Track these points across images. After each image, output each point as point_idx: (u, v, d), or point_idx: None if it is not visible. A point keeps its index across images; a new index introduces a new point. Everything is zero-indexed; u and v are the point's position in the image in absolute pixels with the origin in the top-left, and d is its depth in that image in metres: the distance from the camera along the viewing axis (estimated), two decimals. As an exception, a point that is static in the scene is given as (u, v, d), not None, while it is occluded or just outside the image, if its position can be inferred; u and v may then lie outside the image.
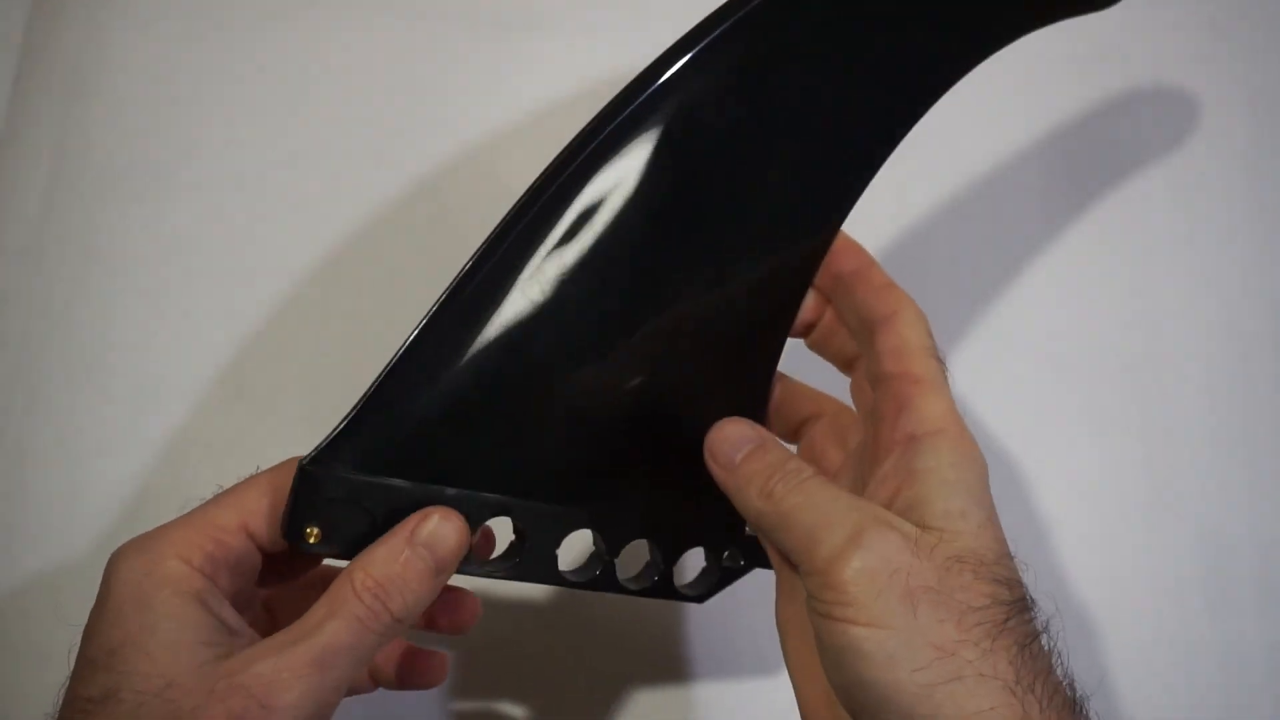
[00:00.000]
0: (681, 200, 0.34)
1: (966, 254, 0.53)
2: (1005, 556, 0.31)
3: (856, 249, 0.37)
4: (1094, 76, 0.56)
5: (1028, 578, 0.31)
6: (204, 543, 0.30)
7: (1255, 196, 0.54)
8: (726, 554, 0.38)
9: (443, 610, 0.37)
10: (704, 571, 0.39)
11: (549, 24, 0.55)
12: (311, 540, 0.30)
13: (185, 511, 0.32)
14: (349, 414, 0.31)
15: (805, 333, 0.40)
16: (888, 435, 0.33)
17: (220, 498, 0.32)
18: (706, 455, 0.35)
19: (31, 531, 0.46)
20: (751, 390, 0.37)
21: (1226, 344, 0.51)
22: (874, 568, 0.29)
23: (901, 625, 0.28)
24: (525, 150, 0.53)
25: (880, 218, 0.53)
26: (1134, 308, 0.52)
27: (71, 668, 0.29)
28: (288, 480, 0.30)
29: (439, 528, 0.30)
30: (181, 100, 0.53)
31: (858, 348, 0.38)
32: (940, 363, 0.35)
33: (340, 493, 0.31)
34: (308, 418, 0.48)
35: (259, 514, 0.31)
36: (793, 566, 0.32)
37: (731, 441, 0.34)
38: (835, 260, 0.37)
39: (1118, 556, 0.46)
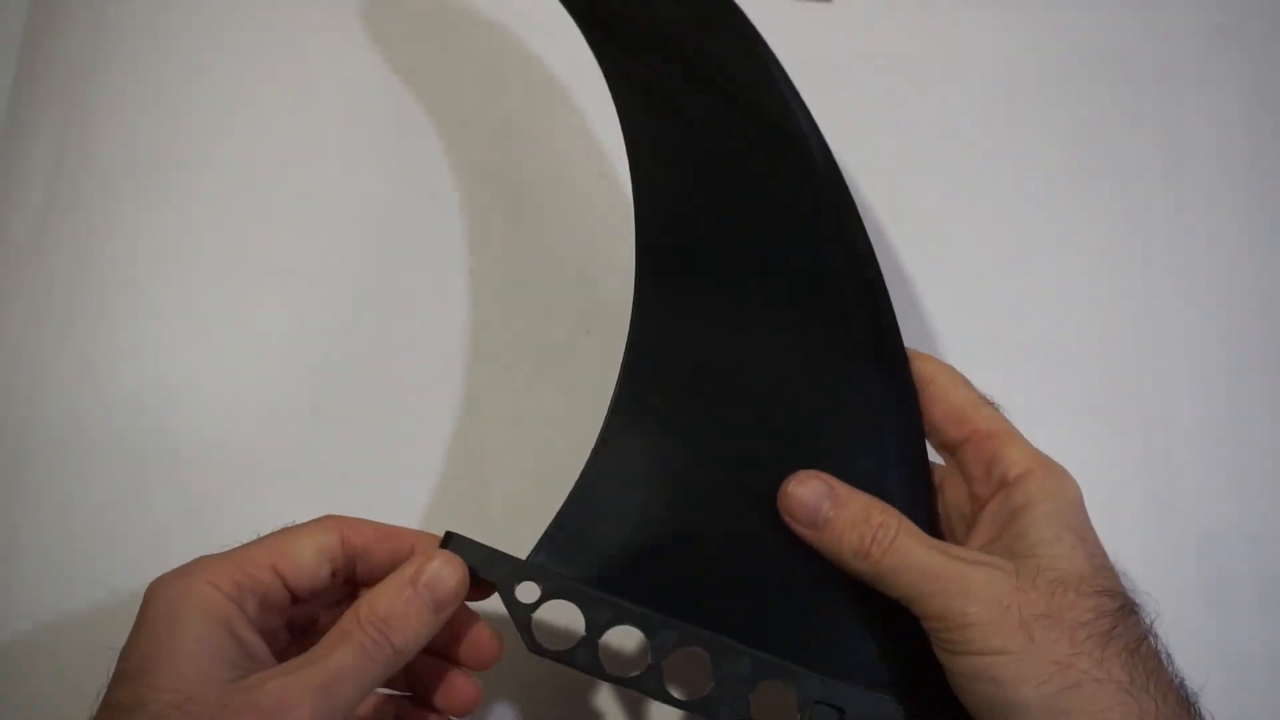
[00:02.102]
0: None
1: (966, 253, 0.53)
2: (1102, 569, 0.34)
3: None
4: (1094, 77, 0.56)
5: (1125, 582, 0.34)
6: (234, 573, 0.33)
7: (1255, 196, 0.54)
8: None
9: (462, 645, 0.38)
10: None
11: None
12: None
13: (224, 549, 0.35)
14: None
15: None
16: (982, 489, 0.37)
17: (257, 540, 0.35)
18: (785, 518, 0.37)
19: (31, 531, 0.46)
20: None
21: (1226, 343, 0.51)
22: (988, 610, 0.32)
23: (1021, 649, 0.32)
24: (525, 142, 0.53)
25: (880, 217, 0.53)
26: (1133, 307, 0.52)
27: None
28: (327, 537, 0.35)
29: (440, 570, 0.34)
30: (181, 100, 0.53)
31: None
32: (993, 406, 0.38)
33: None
34: (306, 418, 0.48)
35: (290, 556, 0.34)
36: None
37: (811, 499, 0.36)
38: None
39: (1117, 556, 0.46)
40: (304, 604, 0.36)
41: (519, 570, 0.35)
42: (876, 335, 0.39)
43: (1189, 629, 0.47)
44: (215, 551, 0.34)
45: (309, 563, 0.34)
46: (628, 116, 0.41)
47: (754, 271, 0.39)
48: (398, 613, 0.33)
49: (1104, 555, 0.35)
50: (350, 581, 0.37)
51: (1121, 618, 0.33)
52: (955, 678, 0.33)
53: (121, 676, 0.31)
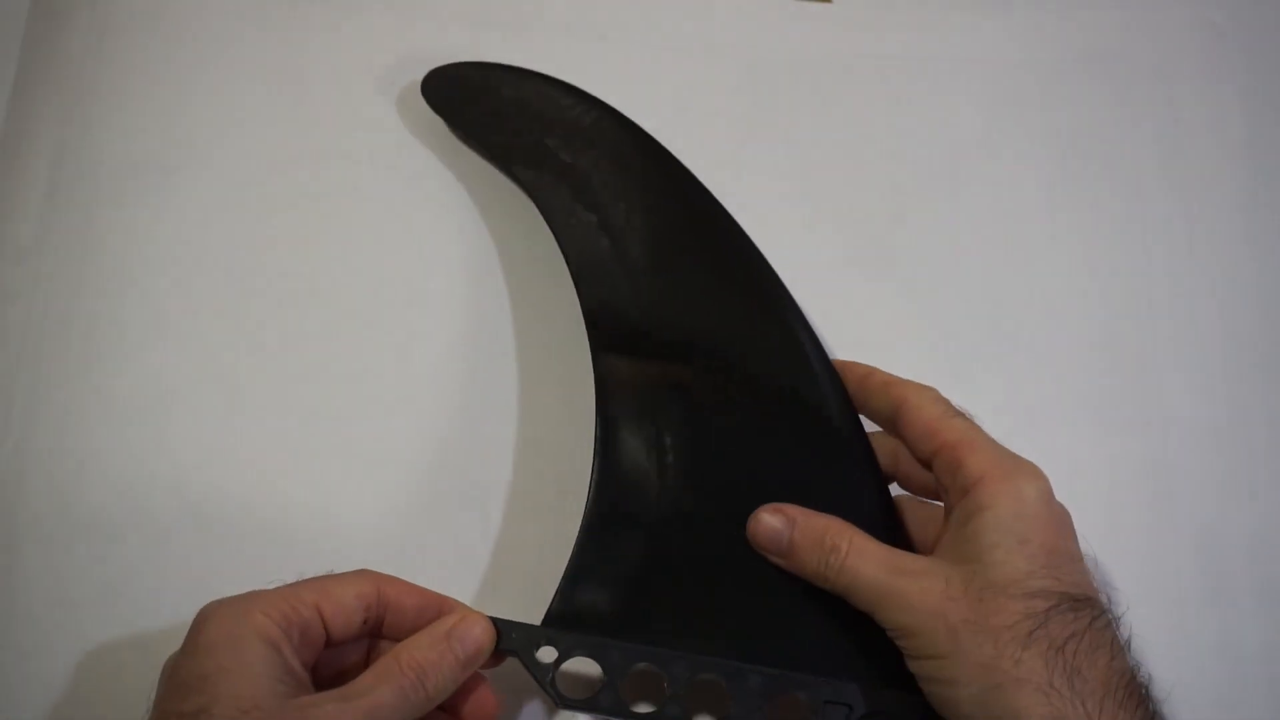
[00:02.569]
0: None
1: (966, 251, 0.53)
2: (1045, 568, 0.36)
3: (853, 365, 0.44)
4: (1094, 77, 0.56)
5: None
6: (283, 606, 0.36)
7: (1253, 195, 0.54)
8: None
9: (467, 703, 0.40)
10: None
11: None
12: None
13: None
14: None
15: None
16: (954, 498, 0.39)
17: (303, 581, 0.38)
18: (760, 550, 0.41)
19: (32, 533, 0.46)
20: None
21: (1225, 341, 0.51)
22: (923, 619, 0.36)
23: (951, 654, 0.35)
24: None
25: (880, 216, 0.53)
26: (1132, 305, 0.52)
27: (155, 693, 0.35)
28: (366, 586, 0.38)
29: (472, 628, 0.38)
30: (181, 100, 0.53)
31: (891, 438, 0.43)
32: (964, 417, 0.40)
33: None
34: (307, 421, 0.48)
35: (333, 598, 0.37)
36: None
37: (770, 532, 0.40)
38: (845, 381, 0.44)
39: (1115, 555, 0.46)
40: (332, 649, 0.38)
41: (535, 636, 0.39)
42: (811, 379, 0.44)
43: (1189, 629, 0.47)
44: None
45: (349, 606, 0.37)
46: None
47: (709, 357, 0.44)
48: (433, 662, 0.36)
49: (1050, 553, 0.36)
50: (375, 634, 0.39)
51: (1051, 616, 0.34)
52: (915, 679, 0.37)
53: (181, 687, 0.34)
